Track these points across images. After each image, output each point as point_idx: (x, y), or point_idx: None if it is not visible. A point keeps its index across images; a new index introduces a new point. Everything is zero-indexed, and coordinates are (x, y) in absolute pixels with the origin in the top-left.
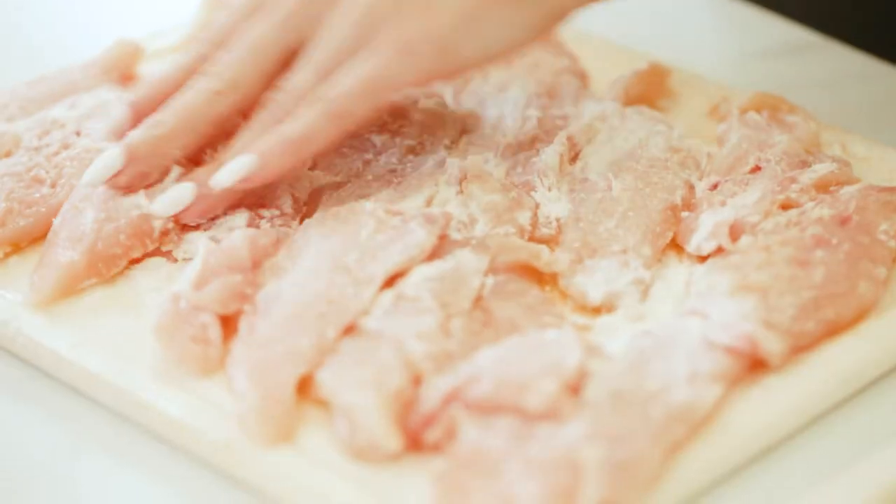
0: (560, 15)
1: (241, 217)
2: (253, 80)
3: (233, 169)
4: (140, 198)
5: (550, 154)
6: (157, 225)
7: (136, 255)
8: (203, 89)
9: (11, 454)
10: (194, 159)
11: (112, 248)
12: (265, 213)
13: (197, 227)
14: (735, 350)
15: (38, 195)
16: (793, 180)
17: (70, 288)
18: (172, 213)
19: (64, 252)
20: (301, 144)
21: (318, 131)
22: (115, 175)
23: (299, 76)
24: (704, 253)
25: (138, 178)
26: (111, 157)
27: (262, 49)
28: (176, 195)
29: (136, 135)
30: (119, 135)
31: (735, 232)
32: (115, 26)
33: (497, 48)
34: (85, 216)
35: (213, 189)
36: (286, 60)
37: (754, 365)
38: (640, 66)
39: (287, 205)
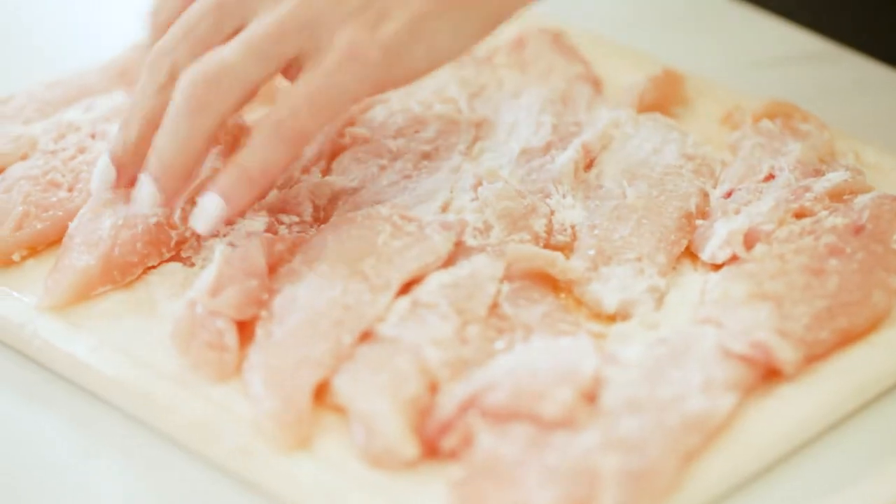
0: (504, 15)
1: (259, 222)
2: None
3: (206, 214)
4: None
5: (565, 161)
6: (174, 234)
7: (153, 262)
8: (147, 86)
9: (25, 457)
10: None
11: (128, 255)
12: (285, 218)
13: (215, 234)
14: (749, 358)
15: (54, 199)
16: (806, 189)
17: (84, 293)
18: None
19: (80, 256)
20: (261, 176)
21: (275, 159)
22: (117, 181)
23: None
24: (719, 261)
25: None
26: (103, 169)
27: (200, 34)
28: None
29: (115, 145)
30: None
31: (749, 240)
32: (128, 29)
33: (445, 54)
34: (102, 221)
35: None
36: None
37: (768, 374)
38: (654, 72)
39: (307, 212)
